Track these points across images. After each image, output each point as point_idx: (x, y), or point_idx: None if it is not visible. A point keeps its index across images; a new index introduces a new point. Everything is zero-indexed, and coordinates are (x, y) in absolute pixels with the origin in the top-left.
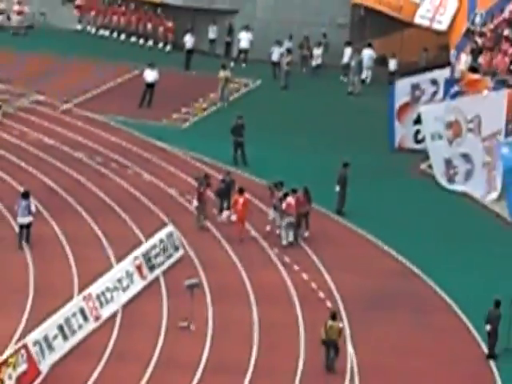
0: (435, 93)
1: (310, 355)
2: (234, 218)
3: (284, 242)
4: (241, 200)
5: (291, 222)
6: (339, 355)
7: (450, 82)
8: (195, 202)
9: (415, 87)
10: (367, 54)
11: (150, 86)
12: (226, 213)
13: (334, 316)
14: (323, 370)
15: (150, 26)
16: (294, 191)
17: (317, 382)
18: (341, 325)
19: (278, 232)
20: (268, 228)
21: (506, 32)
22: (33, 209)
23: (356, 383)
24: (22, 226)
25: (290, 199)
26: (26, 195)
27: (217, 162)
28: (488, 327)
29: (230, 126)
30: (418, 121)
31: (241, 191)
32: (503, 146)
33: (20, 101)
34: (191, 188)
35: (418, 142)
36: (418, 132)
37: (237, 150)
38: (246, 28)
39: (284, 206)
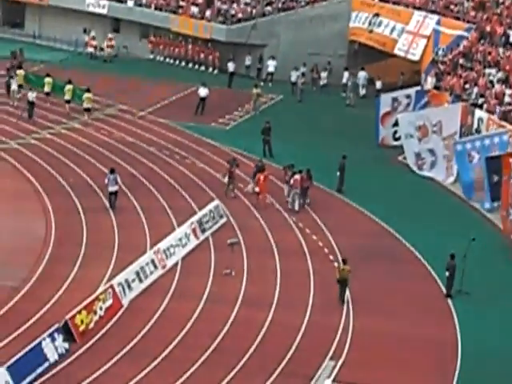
0: (408, 104)
1: (318, 293)
2: (256, 189)
3: (290, 207)
4: (262, 176)
5: (296, 193)
6: (346, 291)
7: (420, 93)
8: (226, 178)
9: (394, 100)
10: (362, 74)
11: (203, 99)
12: (250, 185)
13: (345, 261)
14: (328, 302)
15: (202, 55)
16: (300, 172)
17: (323, 311)
18: (349, 267)
19: (287, 199)
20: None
21: (461, 61)
22: (118, 181)
23: (351, 311)
24: (111, 193)
25: (297, 176)
26: (112, 171)
27: (250, 154)
28: (447, 273)
29: (260, 128)
30: (395, 124)
31: (262, 170)
32: (457, 144)
33: (108, 109)
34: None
35: (395, 139)
36: (395, 132)
37: (265, 146)
38: (272, 57)
39: (292, 181)
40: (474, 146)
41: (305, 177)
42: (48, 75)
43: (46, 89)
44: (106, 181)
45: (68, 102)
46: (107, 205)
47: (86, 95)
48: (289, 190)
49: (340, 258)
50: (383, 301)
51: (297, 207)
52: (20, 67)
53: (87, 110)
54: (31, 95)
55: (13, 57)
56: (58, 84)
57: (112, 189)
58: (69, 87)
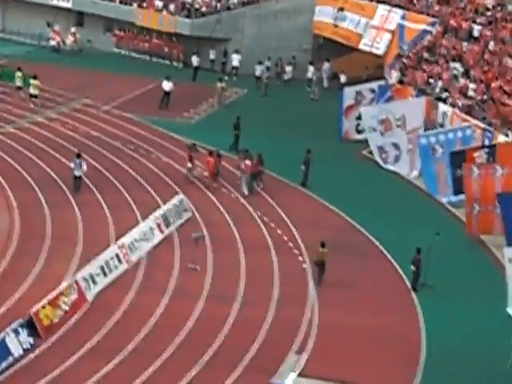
0: (373, 98)
1: (283, 287)
2: (206, 173)
3: (243, 191)
4: (211, 160)
5: (246, 178)
6: (324, 272)
7: (384, 88)
8: (189, 164)
9: (358, 93)
10: (326, 65)
11: (167, 93)
12: (198, 169)
13: (323, 244)
14: (293, 296)
15: (166, 49)
16: (251, 157)
17: (288, 305)
18: (327, 250)
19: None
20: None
21: (425, 55)
22: (84, 166)
23: (315, 306)
24: (75, 177)
25: (247, 162)
26: (79, 155)
27: (214, 147)
28: (412, 267)
29: (224, 123)
30: (359, 117)
31: (210, 153)
32: (421, 137)
33: (72, 103)
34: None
35: (358, 132)
36: (358, 125)
37: (234, 138)
38: (237, 51)
39: (242, 166)
40: (437, 140)
41: (255, 162)
42: (19, 69)
43: (18, 83)
44: (72, 165)
45: (20, 88)
46: (72, 189)
47: (33, 82)
48: (240, 175)
49: (304, 251)
50: (348, 295)
51: (246, 191)
52: (35, 77)
53: (34, 96)
54: None
55: None
56: (26, 78)
57: (77, 173)
58: (18, 74)
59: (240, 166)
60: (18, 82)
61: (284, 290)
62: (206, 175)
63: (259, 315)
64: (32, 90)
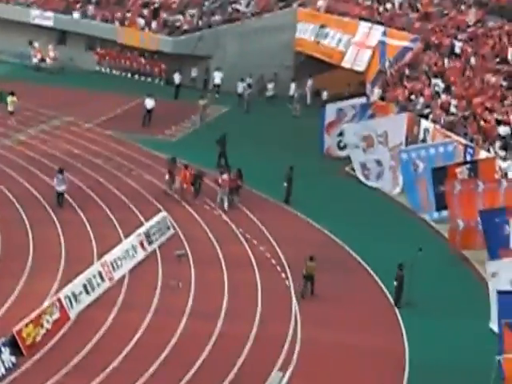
0: (354, 115)
1: (266, 304)
2: (185, 186)
3: (219, 206)
4: (187, 173)
5: (224, 193)
6: (314, 285)
7: (364, 106)
8: (167, 176)
9: (340, 110)
10: (309, 82)
11: (149, 111)
12: (177, 183)
13: (312, 258)
14: (276, 313)
15: (148, 67)
16: (228, 172)
17: (271, 322)
18: (315, 264)
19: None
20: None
21: (407, 71)
22: (65, 181)
23: (298, 322)
24: (58, 193)
25: (225, 176)
26: (61, 171)
27: (196, 164)
28: (395, 284)
29: (207, 140)
30: (340, 134)
31: (186, 167)
32: (402, 152)
33: (54, 121)
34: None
35: (340, 148)
36: (340, 141)
37: (220, 157)
38: (218, 69)
39: (220, 181)
40: (418, 155)
41: (234, 176)
42: (12, 93)
43: (10, 108)
44: (55, 180)
45: None
46: (55, 205)
47: (10, 98)
48: (219, 190)
49: (287, 267)
50: (331, 311)
51: (226, 206)
52: (12, 93)
53: (11, 113)
54: None
55: None
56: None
57: (59, 188)
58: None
59: (218, 181)
60: None
61: (267, 306)
62: (185, 187)
63: (243, 332)
64: (10, 108)
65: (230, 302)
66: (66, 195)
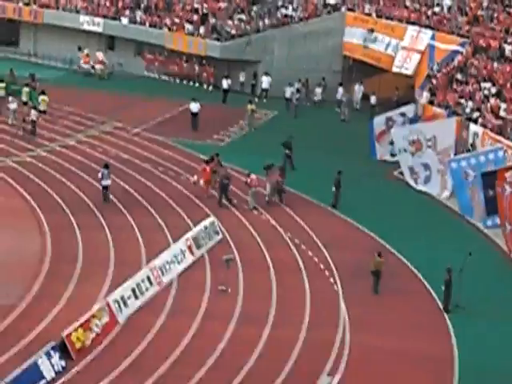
0: (403, 122)
1: (314, 309)
2: (201, 182)
3: (250, 207)
4: (207, 167)
5: (254, 192)
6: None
7: (413, 120)
8: (194, 177)
9: (389, 119)
10: (358, 87)
11: (195, 114)
12: (195, 177)
13: (380, 254)
14: (325, 318)
15: (197, 72)
16: (270, 168)
17: (319, 327)
18: (383, 259)
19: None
20: (266, 198)
21: (456, 75)
22: (110, 176)
23: (347, 327)
24: (103, 187)
25: (253, 176)
26: (106, 166)
27: (243, 169)
28: (443, 288)
29: (255, 145)
30: (392, 142)
31: (207, 162)
32: (452, 161)
33: (103, 126)
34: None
35: (393, 155)
36: (392, 149)
37: (286, 159)
38: (266, 74)
39: (249, 180)
40: (469, 164)
41: (277, 175)
42: (43, 92)
43: (42, 107)
44: (100, 175)
45: (25, 103)
46: (103, 200)
47: (42, 97)
48: (270, 189)
49: (335, 272)
50: (380, 316)
51: (251, 206)
52: (43, 92)
53: (43, 112)
54: (34, 114)
55: (31, 78)
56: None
57: (105, 183)
58: (26, 90)
59: (246, 181)
60: (25, 97)
61: (315, 311)
62: (202, 183)
63: (291, 337)
64: (41, 107)
65: (279, 306)
66: (114, 199)
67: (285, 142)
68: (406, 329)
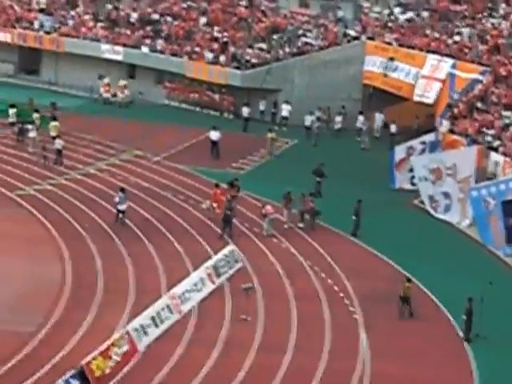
0: (423, 150)
1: (335, 337)
2: (215, 205)
3: (267, 234)
4: (218, 191)
5: (270, 220)
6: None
7: (433, 145)
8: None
9: (409, 148)
10: (379, 116)
11: (215, 142)
12: (207, 202)
13: (409, 279)
14: (345, 347)
15: (217, 100)
16: (287, 196)
17: (340, 356)
18: (411, 285)
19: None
20: (285, 226)
21: (477, 104)
22: (126, 200)
23: (367, 360)
24: (119, 211)
25: (268, 206)
26: (123, 190)
27: (264, 197)
28: (464, 317)
29: (275, 173)
30: (411, 170)
31: (217, 185)
32: (472, 190)
33: (123, 154)
34: (248, 218)
35: (412, 184)
36: (412, 177)
37: (317, 186)
38: (286, 102)
39: (263, 211)
40: (489, 192)
41: (309, 200)
42: (54, 119)
43: (52, 133)
44: (117, 199)
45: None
46: (115, 221)
47: (53, 124)
48: (287, 215)
49: (355, 301)
50: (400, 345)
51: (265, 233)
52: (54, 118)
53: (54, 137)
54: (59, 143)
55: (53, 107)
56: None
57: (121, 207)
58: (36, 115)
59: (262, 210)
60: (37, 122)
61: (336, 339)
62: (215, 206)
63: (311, 366)
64: (52, 133)
65: (299, 335)
66: (134, 227)
67: (315, 170)
68: (427, 357)
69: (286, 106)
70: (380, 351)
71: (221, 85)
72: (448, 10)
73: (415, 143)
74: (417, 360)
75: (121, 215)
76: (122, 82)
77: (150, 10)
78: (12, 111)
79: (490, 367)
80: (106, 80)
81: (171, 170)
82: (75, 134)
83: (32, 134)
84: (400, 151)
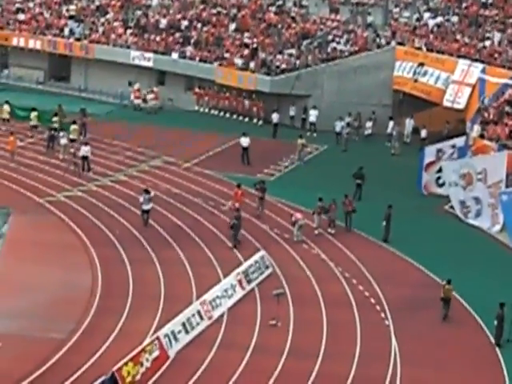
0: (452, 153)
1: (365, 343)
2: (237, 205)
3: (297, 239)
4: (239, 191)
5: (300, 225)
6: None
7: (463, 149)
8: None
9: (439, 151)
10: (409, 122)
11: (245, 149)
12: (229, 203)
13: (449, 281)
14: (375, 353)
15: (247, 106)
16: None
17: (370, 362)
18: (452, 287)
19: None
20: (316, 232)
21: (507, 109)
22: (151, 201)
23: (398, 363)
24: (144, 211)
25: (297, 214)
26: (147, 191)
27: (293, 203)
28: (495, 323)
29: (305, 179)
30: (439, 170)
31: (239, 186)
32: (503, 194)
33: (154, 161)
34: (278, 224)
35: (438, 185)
36: (439, 178)
37: (357, 189)
38: (314, 107)
39: (293, 219)
40: None
41: (349, 202)
42: (74, 122)
43: (72, 136)
44: (141, 200)
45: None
46: (144, 225)
47: (73, 127)
48: (318, 221)
49: (386, 306)
50: (431, 351)
51: (299, 239)
52: (74, 122)
53: (73, 140)
54: (85, 149)
55: (82, 114)
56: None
57: (146, 207)
58: (55, 119)
59: (292, 218)
60: (56, 126)
61: (366, 345)
62: (237, 206)
63: (341, 371)
64: (72, 136)
65: (329, 341)
66: (164, 233)
67: (356, 173)
68: (457, 363)
69: (313, 111)
70: (411, 357)
71: (250, 91)
72: (478, 15)
73: (445, 146)
74: (448, 365)
75: (145, 215)
76: (155, 89)
77: (179, 16)
78: (33, 114)
79: None
80: (136, 86)
81: (201, 177)
82: (105, 140)
83: (63, 141)
84: (430, 153)
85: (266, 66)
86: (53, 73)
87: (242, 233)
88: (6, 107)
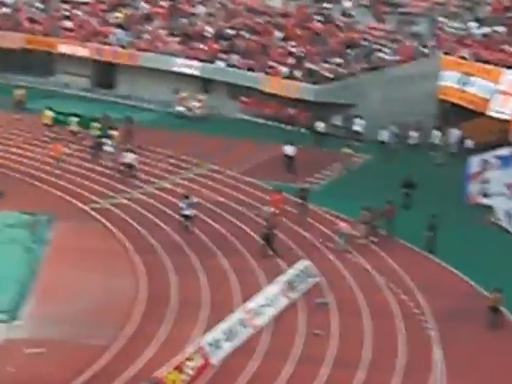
0: (497, 164)
1: (409, 354)
2: (272, 209)
3: (340, 248)
4: (277, 197)
5: (342, 234)
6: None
7: (507, 159)
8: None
9: (484, 161)
10: (455, 132)
11: (290, 158)
12: (266, 207)
13: (497, 290)
14: (419, 364)
15: (292, 114)
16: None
17: (414, 373)
18: (499, 295)
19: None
20: (360, 241)
21: None
22: (192, 207)
23: (443, 378)
24: (184, 216)
25: (341, 223)
26: (186, 196)
27: (338, 212)
28: None
29: (350, 188)
30: (484, 181)
31: (276, 191)
32: None
33: (198, 169)
34: (322, 233)
35: (484, 196)
36: (484, 189)
37: (405, 197)
38: (360, 117)
39: (336, 227)
40: None
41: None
42: (95, 120)
43: (94, 132)
44: (181, 204)
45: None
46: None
47: (93, 124)
48: (362, 231)
49: (430, 317)
50: (476, 361)
51: (342, 248)
52: (115, 129)
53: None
54: (130, 156)
55: (128, 121)
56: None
57: (186, 212)
58: (95, 125)
59: (335, 227)
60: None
61: (410, 356)
62: (277, 212)
63: (385, 382)
64: (92, 132)
65: (373, 351)
66: (208, 241)
67: (404, 181)
68: (503, 374)
69: (359, 120)
70: (455, 368)
71: (296, 99)
72: None
73: (490, 157)
74: (493, 377)
75: (187, 222)
76: (201, 97)
77: (224, 24)
78: (74, 120)
79: None
80: (182, 94)
81: (246, 185)
82: (150, 148)
83: (109, 148)
84: (475, 163)
85: (311, 75)
86: (98, 80)
87: (281, 241)
88: (48, 112)
